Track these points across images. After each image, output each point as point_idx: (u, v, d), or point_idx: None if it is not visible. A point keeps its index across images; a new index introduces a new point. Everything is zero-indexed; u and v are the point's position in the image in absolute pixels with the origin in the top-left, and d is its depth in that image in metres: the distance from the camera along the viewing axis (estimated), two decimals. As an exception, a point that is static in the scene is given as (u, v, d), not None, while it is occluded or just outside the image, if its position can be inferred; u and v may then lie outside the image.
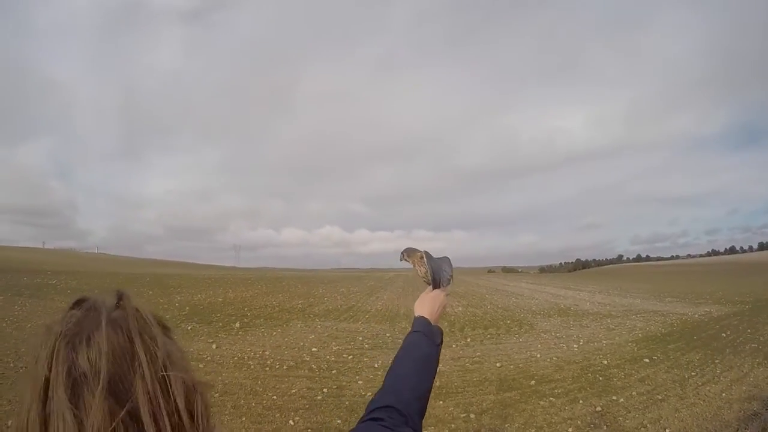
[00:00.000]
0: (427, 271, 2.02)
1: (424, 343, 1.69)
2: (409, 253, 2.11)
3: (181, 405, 0.91)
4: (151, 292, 26.81)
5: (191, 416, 0.93)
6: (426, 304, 1.90)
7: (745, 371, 12.48)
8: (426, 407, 1.54)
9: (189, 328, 17.33)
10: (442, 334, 1.79)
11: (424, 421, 1.50)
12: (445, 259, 2.12)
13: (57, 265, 41.67)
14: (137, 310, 0.98)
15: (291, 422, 8.76)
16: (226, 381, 11.04)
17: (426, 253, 2.06)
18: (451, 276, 2.09)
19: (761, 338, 16.89)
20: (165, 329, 1.03)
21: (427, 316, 1.83)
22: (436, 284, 2.02)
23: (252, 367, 12.43)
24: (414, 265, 2.09)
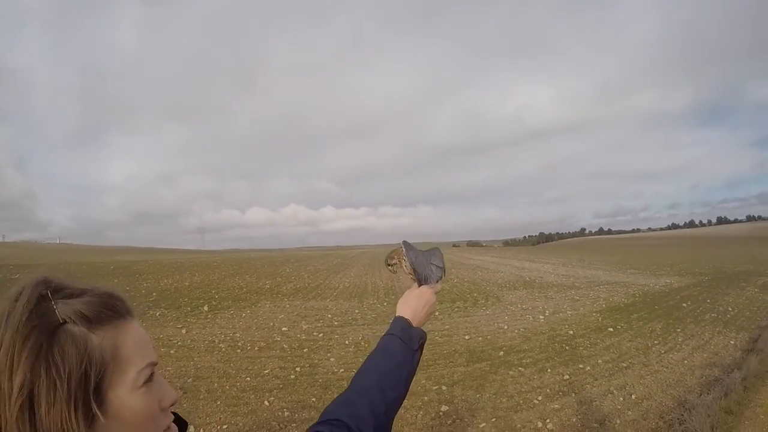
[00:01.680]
0: (408, 266, 1.77)
1: (398, 349, 1.52)
2: (391, 256, 1.85)
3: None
4: (116, 280, 26.16)
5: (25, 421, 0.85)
6: (409, 304, 1.67)
7: (705, 339, 12.87)
8: (388, 423, 1.39)
9: (157, 314, 17.04)
10: (423, 337, 1.61)
11: None
12: (435, 252, 1.88)
13: (19, 259, 40.53)
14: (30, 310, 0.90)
15: (266, 402, 8.72)
16: (198, 365, 10.91)
17: (405, 243, 1.82)
18: (443, 271, 1.83)
19: (720, 308, 17.44)
20: (87, 321, 0.93)
21: (408, 317, 1.62)
22: (421, 281, 1.75)
23: (223, 349, 12.31)
24: (399, 264, 1.81)
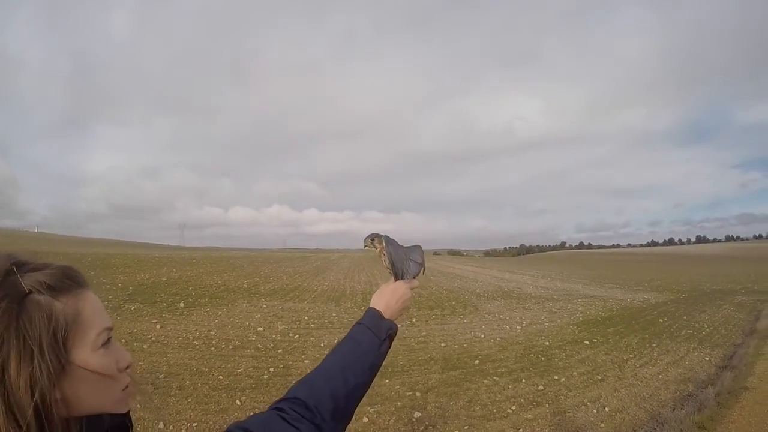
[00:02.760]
0: (387, 260, 1.79)
1: (365, 338, 1.54)
2: (376, 240, 1.84)
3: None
4: (93, 272, 25.65)
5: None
6: (383, 296, 1.69)
7: (681, 355, 12.93)
8: (349, 409, 1.40)
9: (132, 308, 16.79)
10: (393, 328, 1.62)
11: (370, 398, 1.38)
12: (416, 248, 1.91)
13: (-6, 243, 40.01)
14: None
15: (238, 402, 8.62)
16: (171, 362, 10.75)
17: (386, 238, 1.83)
18: (423, 267, 1.87)
19: (696, 325, 17.59)
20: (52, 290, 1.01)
21: (380, 309, 1.64)
22: (398, 275, 1.78)
23: (197, 347, 12.14)
24: (379, 254, 1.82)
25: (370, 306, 1.67)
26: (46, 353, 0.93)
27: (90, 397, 1.02)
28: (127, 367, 1.11)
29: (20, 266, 1.01)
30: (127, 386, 1.10)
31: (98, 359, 1.02)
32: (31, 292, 0.97)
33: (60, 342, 0.96)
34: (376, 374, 1.53)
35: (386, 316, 1.63)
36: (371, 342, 1.53)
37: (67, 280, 1.05)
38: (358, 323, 1.59)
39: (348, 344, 1.52)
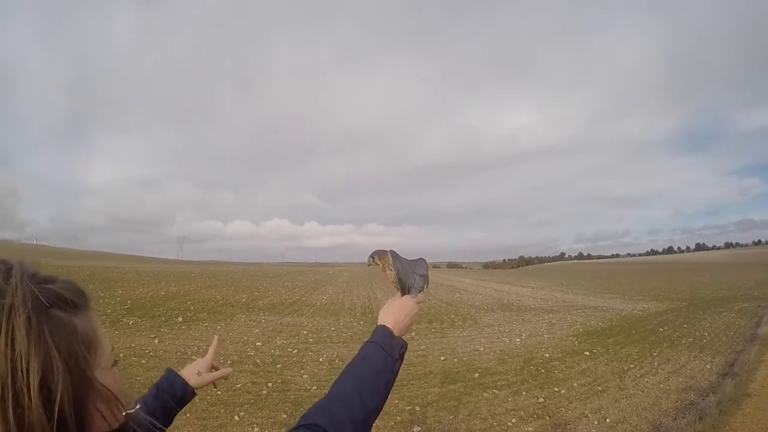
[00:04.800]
0: (394, 274, 1.78)
1: (378, 358, 1.49)
2: (379, 256, 1.84)
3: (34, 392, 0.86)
4: (91, 286, 25.48)
5: (46, 405, 0.87)
6: (391, 313, 1.65)
7: (681, 363, 12.87)
8: (367, 431, 1.36)
9: (131, 322, 16.72)
10: (404, 347, 1.58)
11: None
12: (420, 262, 1.87)
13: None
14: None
15: (236, 417, 8.54)
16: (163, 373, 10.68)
17: (392, 252, 1.83)
18: (427, 281, 1.83)
19: (697, 333, 17.52)
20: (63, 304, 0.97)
21: (390, 326, 1.60)
22: (404, 290, 1.77)
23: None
24: (383, 269, 1.82)
25: (379, 323, 1.63)
26: (81, 366, 0.93)
27: (103, 415, 0.99)
28: (123, 390, 1.08)
29: (32, 277, 0.97)
30: (134, 407, 1.11)
31: (113, 377, 1.02)
32: (51, 306, 0.94)
33: (84, 358, 0.95)
34: (389, 394, 1.49)
35: (396, 333, 1.60)
36: (385, 362, 1.49)
37: (81, 297, 1.03)
38: (369, 342, 1.55)
39: (362, 365, 1.48)
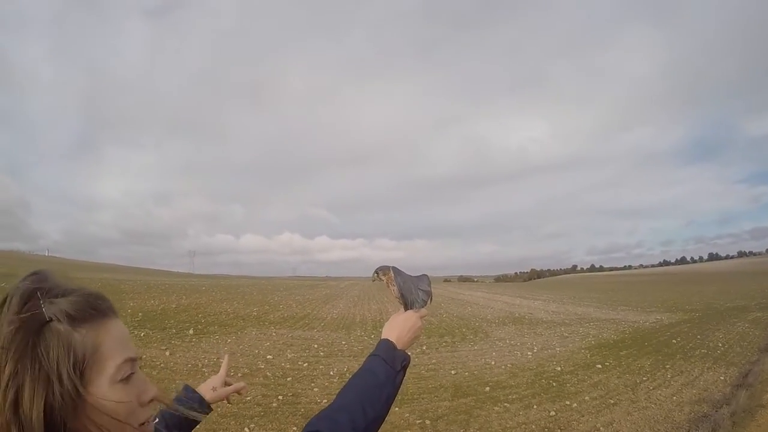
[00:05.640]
0: (396, 290, 1.81)
1: (381, 370, 1.53)
2: (383, 272, 1.87)
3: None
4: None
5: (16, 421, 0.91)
6: (395, 327, 1.69)
7: (695, 375, 12.76)
8: None
9: (142, 334, 16.81)
10: (407, 360, 1.61)
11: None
12: (423, 278, 1.90)
13: (6, 268, 40.03)
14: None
15: (246, 429, 8.57)
16: (180, 389, 10.72)
17: (394, 268, 1.86)
18: (430, 296, 1.86)
19: (710, 344, 17.38)
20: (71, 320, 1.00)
21: (393, 340, 1.64)
22: (407, 305, 1.80)
23: (206, 374, 12.04)
24: (387, 285, 1.85)
25: (383, 337, 1.67)
26: (64, 384, 0.93)
27: (108, 430, 1.00)
28: (152, 400, 1.11)
29: (45, 291, 1.00)
30: (144, 422, 1.09)
31: (116, 393, 1.01)
32: (51, 320, 0.97)
33: (77, 373, 0.96)
34: (391, 406, 1.52)
35: (399, 346, 1.64)
36: (387, 374, 1.53)
37: (91, 310, 1.04)
38: (372, 355, 1.59)
39: (365, 376, 1.52)
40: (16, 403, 0.90)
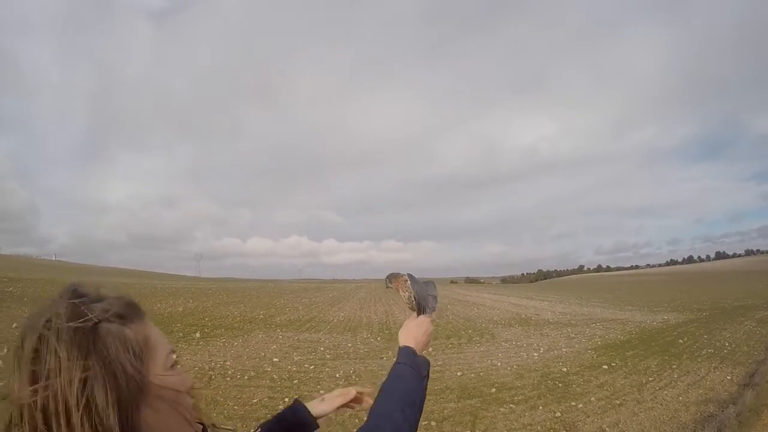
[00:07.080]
0: (411, 296, 1.85)
1: (410, 377, 1.55)
2: (392, 279, 1.93)
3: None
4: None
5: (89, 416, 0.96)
6: (411, 333, 1.74)
7: (701, 375, 12.73)
8: None
9: (148, 338, 16.90)
10: (428, 365, 1.66)
11: None
12: (430, 283, 1.97)
13: (14, 272, 40.28)
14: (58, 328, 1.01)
15: (253, 432, 8.60)
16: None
17: (410, 275, 1.91)
18: (436, 301, 1.94)
19: (717, 343, 17.31)
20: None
21: (412, 346, 1.68)
22: (420, 310, 1.86)
23: (213, 377, 12.20)
24: (398, 290, 1.90)
25: (401, 344, 1.69)
26: (129, 373, 1.01)
27: (166, 418, 1.08)
28: (192, 388, 1.20)
29: (86, 298, 1.07)
30: (193, 406, 1.19)
31: (172, 378, 1.12)
32: (100, 321, 1.04)
33: (139, 362, 1.04)
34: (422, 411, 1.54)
35: (417, 351, 1.67)
36: (415, 379, 1.55)
37: (132, 309, 1.15)
38: (399, 363, 1.60)
39: (398, 384, 1.53)
40: (89, 401, 0.95)
